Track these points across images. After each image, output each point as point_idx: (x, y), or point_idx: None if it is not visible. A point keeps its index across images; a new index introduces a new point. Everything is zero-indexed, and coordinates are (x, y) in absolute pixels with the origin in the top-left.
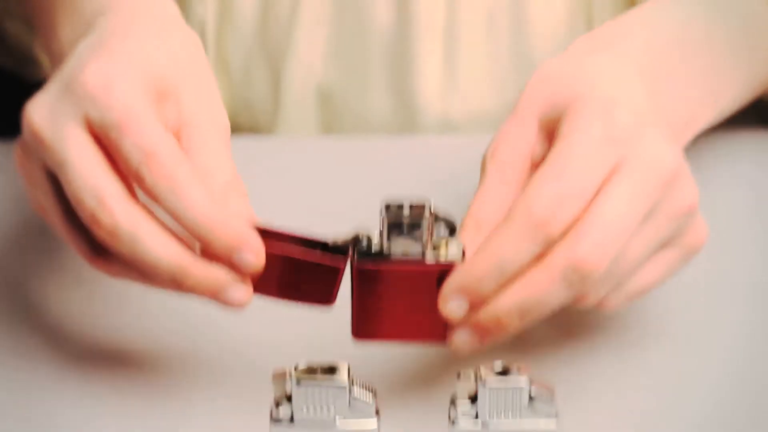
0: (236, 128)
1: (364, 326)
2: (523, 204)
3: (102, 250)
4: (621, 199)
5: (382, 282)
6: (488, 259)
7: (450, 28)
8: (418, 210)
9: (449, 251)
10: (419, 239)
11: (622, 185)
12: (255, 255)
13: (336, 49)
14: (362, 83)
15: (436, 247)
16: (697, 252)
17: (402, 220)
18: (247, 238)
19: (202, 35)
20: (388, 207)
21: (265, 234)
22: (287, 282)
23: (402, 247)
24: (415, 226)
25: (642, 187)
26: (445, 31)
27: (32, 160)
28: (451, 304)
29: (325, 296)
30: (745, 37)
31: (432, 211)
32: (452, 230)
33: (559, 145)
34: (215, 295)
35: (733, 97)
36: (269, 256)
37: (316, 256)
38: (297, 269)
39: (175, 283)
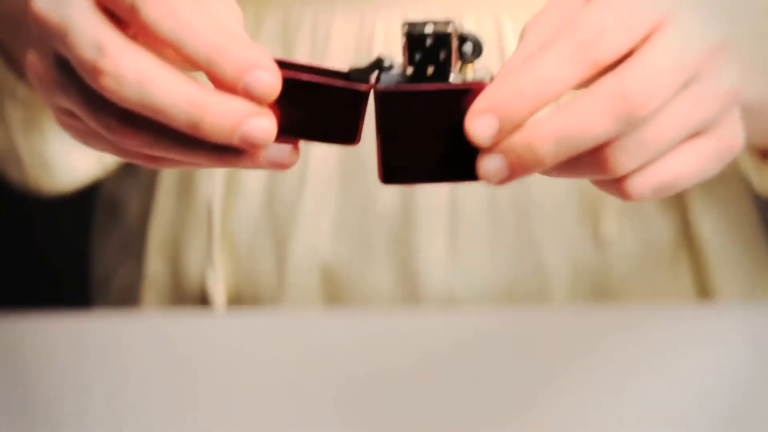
0: (240, 301)
1: (391, 168)
2: (569, 27)
3: (124, 119)
4: (671, 46)
5: (405, 107)
6: (526, 77)
7: (452, 209)
8: (441, 29)
9: (476, 73)
10: (444, 59)
11: (673, 33)
12: (269, 73)
13: (340, 228)
14: (366, 261)
15: (462, 70)
16: (733, 153)
17: (425, 40)
18: (256, 57)
19: (208, 211)
20: (409, 27)
21: (280, 64)
22: (308, 116)
23: (425, 68)
24: (439, 45)
25: (690, 43)
26: (448, 212)
27: (46, 58)
28: (480, 121)
29: (350, 130)
30: None
31: (456, 30)
32: (479, 50)
33: None
34: (236, 130)
35: None
36: (287, 83)
37: (338, 81)
38: (318, 98)
39: (193, 125)
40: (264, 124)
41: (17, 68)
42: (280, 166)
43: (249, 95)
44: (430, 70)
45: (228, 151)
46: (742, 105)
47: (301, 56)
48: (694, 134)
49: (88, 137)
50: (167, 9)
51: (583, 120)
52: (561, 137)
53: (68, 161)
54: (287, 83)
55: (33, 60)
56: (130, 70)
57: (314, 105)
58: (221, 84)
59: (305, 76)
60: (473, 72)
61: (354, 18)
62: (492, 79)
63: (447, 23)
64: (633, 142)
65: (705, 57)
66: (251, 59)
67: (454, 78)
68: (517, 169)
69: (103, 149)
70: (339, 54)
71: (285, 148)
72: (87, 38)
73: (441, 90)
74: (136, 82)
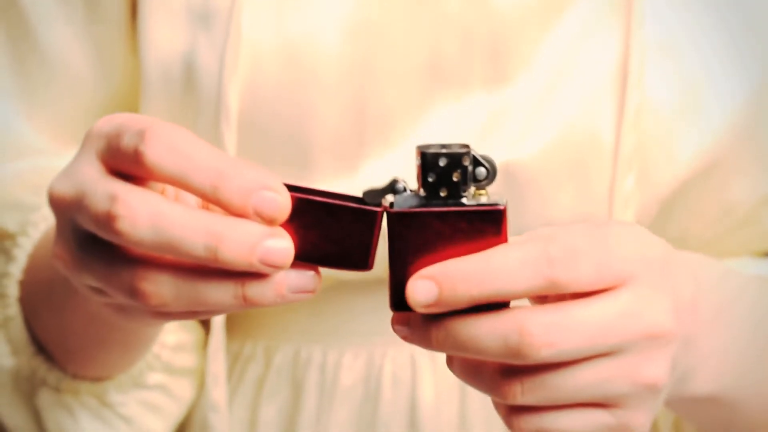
0: None
1: (402, 294)
2: (547, 237)
3: (140, 280)
4: (609, 314)
5: (418, 229)
6: (483, 263)
7: None
8: (455, 150)
9: (490, 198)
10: (457, 181)
11: (621, 302)
12: (276, 191)
13: None
14: None
15: (475, 195)
16: None
17: (438, 161)
18: (261, 177)
19: None
20: (424, 151)
21: (290, 188)
22: (320, 239)
23: (439, 189)
24: (452, 167)
25: (634, 321)
26: None
27: (67, 239)
28: (422, 285)
29: (363, 254)
30: None
31: (471, 153)
32: (493, 174)
33: (602, 226)
34: (254, 252)
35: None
36: (299, 204)
37: (350, 203)
38: (330, 220)
39: (211, 254)
40: (281, 244)
41: (48, 354)
42: (305, 293)
43: (260, 216)
44: (444, 192)
45: (253, 289)
46: (710, 396)
47: (309, 395)
48: (598, 403)
49: (121, 312)
50: (167, 146)
51: (476, 335)
52: (454, 340)
53: None
54: (299, 204)
55: (57, 249)
56: (142, 210)
57: (326, 227)
58: (232, 210)
59: (318, 197)
60: (487, 197)
61: (362, 356)
62: (506, 204)
63: (462, 146)
64: (535, 380)
65: (642, 336)
66: (256, 180)
67: (467, 202)
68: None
69: (141, 320)
70: (347, 392)
71: (307, 274)
72: (100, 193)
73: (455, 212)
74: (150, 219)
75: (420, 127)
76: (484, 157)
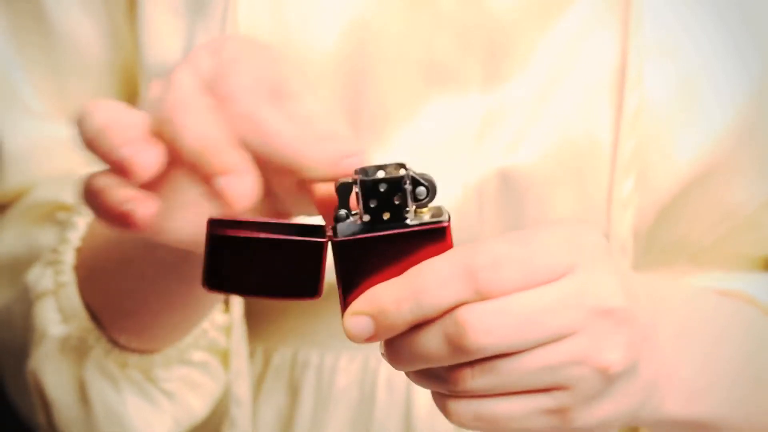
0: None
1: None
2: (467, 249)
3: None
4: (546, 298)
5: (365, 254)
6: (409, 284)
7: None
8: (393, 173)
9: (433, 213)
10: (399, 204)
11: (559, 287)
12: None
13: None
14: None
15: (418, 213)
16: (576, 430)
17: (378, 187)
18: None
19: None
20: (362, 174)
21: (232, 224)
22: (266, 274)
23: (381, 213)
24: (392, 191)
25: (576, 304)
26: None
27: None
28: (356, 321)
29: (312, 285)
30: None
31: (409, 174)
32: (433, 192)
33: (533, 228)
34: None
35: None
36: (242, 242)
37: (293, 234)
38: (276, 255)
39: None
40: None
41: (99, 323)
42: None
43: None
44: (387, 215)
45: None
46: (691, 420)
47: (306, 397)
48: (544, 389)
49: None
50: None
51: (418, 337)
52: (398, 350)
53: (144, 420)
54: (244, 242)
55: None
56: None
57: (273, 262)
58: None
59: (261, 233)
60: (430, 213)
61: (358, 360)
62: (450, 219)
63: (399, 166)
64: (485, 365)
65: (588, 315)
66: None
67: (410, 221)
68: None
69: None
70: (343, 395)
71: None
72: None
73: (399, 234)
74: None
75: (415, 126)
76: (422, 176)
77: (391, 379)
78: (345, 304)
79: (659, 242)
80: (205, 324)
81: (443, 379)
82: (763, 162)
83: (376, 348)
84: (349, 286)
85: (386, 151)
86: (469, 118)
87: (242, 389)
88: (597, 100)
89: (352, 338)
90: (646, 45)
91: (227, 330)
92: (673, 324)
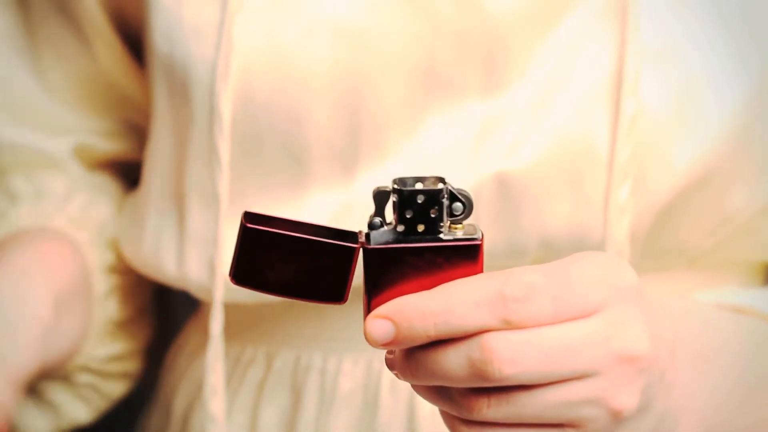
0: None
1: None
2: (502, 276)
3: None
4: (574, 335)
5: (395, 264)
6: (437, 301)
7: None
8: (432, 186)
9: (466, 230)
10: (435, 217)
11: (588, 325)
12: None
13: None
14: None
15: (452, 229)
16: None
17: (415, 198)
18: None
19: None
20: (399, 185)
21: (267, 219)
22: (295, 273)
23: (416, 225)
24: (429, 203)
25: (603, 345)
26: None
27: None
28: (378, 325)
29: (339, 289)
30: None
31: (447, 188)
32: (469, 209)
33: (567, 259)
34: None
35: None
36: (275, 238)
37: (326, 236)
38: (307, 256)
39: None
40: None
41: None
42: None
43: None
44: (421, 227)
45: None
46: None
47: (309, 400)
48: (556, 424)
49: None
50: None
51: (441, 359)
52: (421, 369)
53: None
54: (276, 239)
55: None
56: None
57: (304, 262)
58: None
59: (295, 232)
60: (463, 230)
61: (362, 363)
62: (483, 237)
63: (438, 180)
64: (502, 396)
65: (612, 359)
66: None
67: (444, 236)
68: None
69: None
70: (346, 398)
71: None
72: None
73: (432, 247)
74: None
75: (414, 134)
76: (460, 192)
77: (395, 382)
78: (369, 310)
79: (656, 247)
80: (82, 359)
81: (456, 402)
82: (761, 167)
83: (380, 351)
84: (376, 293)
85: (386, 157)
86: (467, 124)
87: (217, 407)
88: (594, 106)
89: (371, 340)
90: (644, 51)
91: (116, 357)
92: (692, 351)
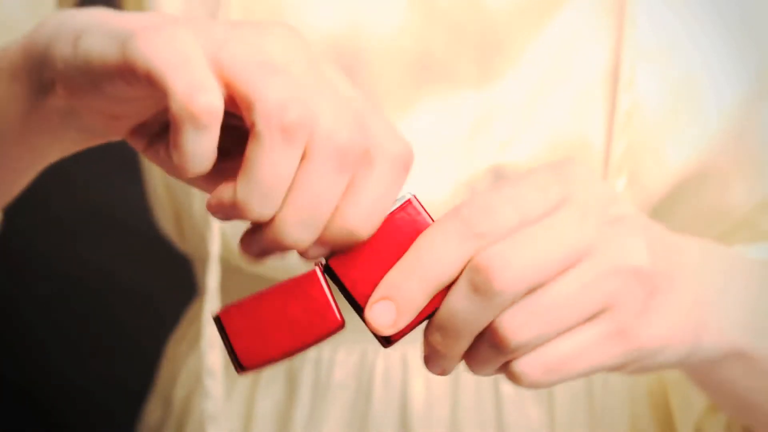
0: None
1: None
2: (454, 208)
3: None
4: (550, 224)
5: (358, 260)
6: (411, 257)
7: None
8: None
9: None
10: None
11: (560, 214)
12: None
13: None
14: None
15: None
16: (642, 352)
17: None
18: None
19: None
20: None
21: (232, 306)
22: (286, 330)
23: None
24: None
25: (578, 218)
26: None
27: None
28: (377, 309)
29: (329, 315)
30: None
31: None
32: None
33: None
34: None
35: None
36: (249, 308)
37: (288, 282)
38: (282, 307)
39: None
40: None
41: None
42: None
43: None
44: None
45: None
46: (733, 350)
47: (304, 389)
48: (593, 316)
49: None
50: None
51: (448, 301)
52: (437, 323)
53: None
54: (250, 308)
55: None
56: None
57: (284, 314)
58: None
59: (258, 297)
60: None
61: (356, 353)
62: (413, 194)
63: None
64: (523, 312)
65: (598, 227)
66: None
67: None
68: (432, 360)
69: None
70: (340, 387)
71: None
72: None
73: (379, 231)
74: None
75: (408, 123)
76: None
77: (388, 372)
78: (359, 304)
79: None
80: None
81: (495, 345)
82: (759, 163)
83: (374, 341)
84: (357, 289)
85: None
86: (461, 115)
87: (214, 360)
88: (589, 100)
89: (378, 326)
90: (640, 47)
91: None
92: (691, 257)
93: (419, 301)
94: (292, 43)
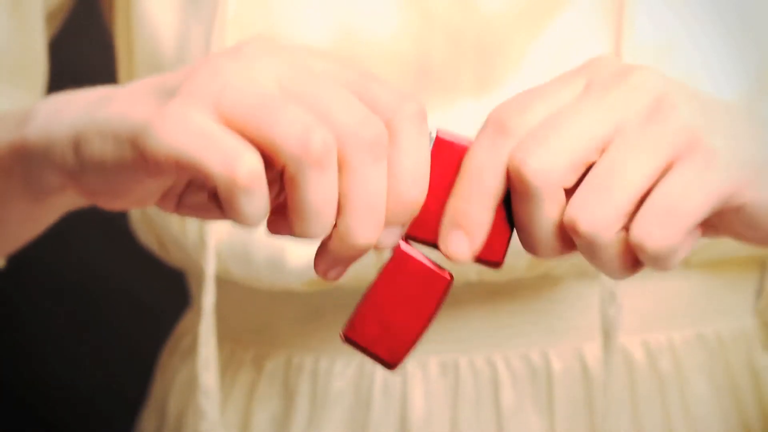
0: None
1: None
2: (484, 123)
3: None
4: (584, 107)
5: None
6: (463, 178)
7: None
8: None
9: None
10: None
11: (591, 93)
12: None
13: None
14: None
15: None
16: (716, 160)
17: None
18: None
19: None
20: None
21: (353, 319)
22: (409, 315)
23: None
24: None
25: (606, 91)
26: None
27: None
28: (450, 240)
29: (438, 279)
30: None
31: None
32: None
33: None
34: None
35: None
36: (371, 317)
37: (382, 273)
38: (393, 299)
39: None
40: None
41: None
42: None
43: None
44: None
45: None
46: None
47: (301, 401)
48: (668, 162)
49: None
50: None
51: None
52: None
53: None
54: (370, 304)
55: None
56: None
57: (406, 292)
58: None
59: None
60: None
61: (354, 364)
62: (436, 129)
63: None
64: (588, 189)
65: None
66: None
67: None
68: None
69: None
70: (338, 399)
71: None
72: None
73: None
74: None
75: None
76: None
77: (387, 383)
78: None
79: None
80: None
81: (532, 195)
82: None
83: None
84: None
85: None
86: (461, 122)
87: (210, 379)
88: None
89: (456, 256)
90: (640, 48)
91: None
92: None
93: (485, 218)
94: (272, 56)
